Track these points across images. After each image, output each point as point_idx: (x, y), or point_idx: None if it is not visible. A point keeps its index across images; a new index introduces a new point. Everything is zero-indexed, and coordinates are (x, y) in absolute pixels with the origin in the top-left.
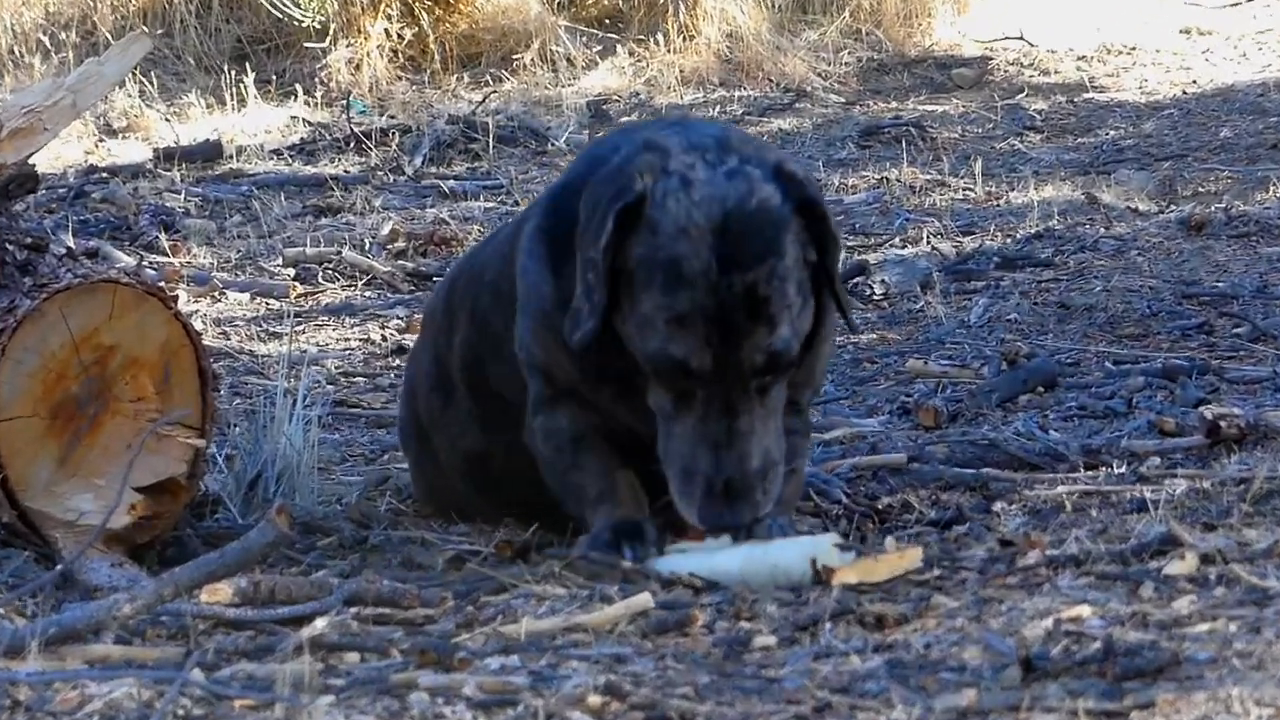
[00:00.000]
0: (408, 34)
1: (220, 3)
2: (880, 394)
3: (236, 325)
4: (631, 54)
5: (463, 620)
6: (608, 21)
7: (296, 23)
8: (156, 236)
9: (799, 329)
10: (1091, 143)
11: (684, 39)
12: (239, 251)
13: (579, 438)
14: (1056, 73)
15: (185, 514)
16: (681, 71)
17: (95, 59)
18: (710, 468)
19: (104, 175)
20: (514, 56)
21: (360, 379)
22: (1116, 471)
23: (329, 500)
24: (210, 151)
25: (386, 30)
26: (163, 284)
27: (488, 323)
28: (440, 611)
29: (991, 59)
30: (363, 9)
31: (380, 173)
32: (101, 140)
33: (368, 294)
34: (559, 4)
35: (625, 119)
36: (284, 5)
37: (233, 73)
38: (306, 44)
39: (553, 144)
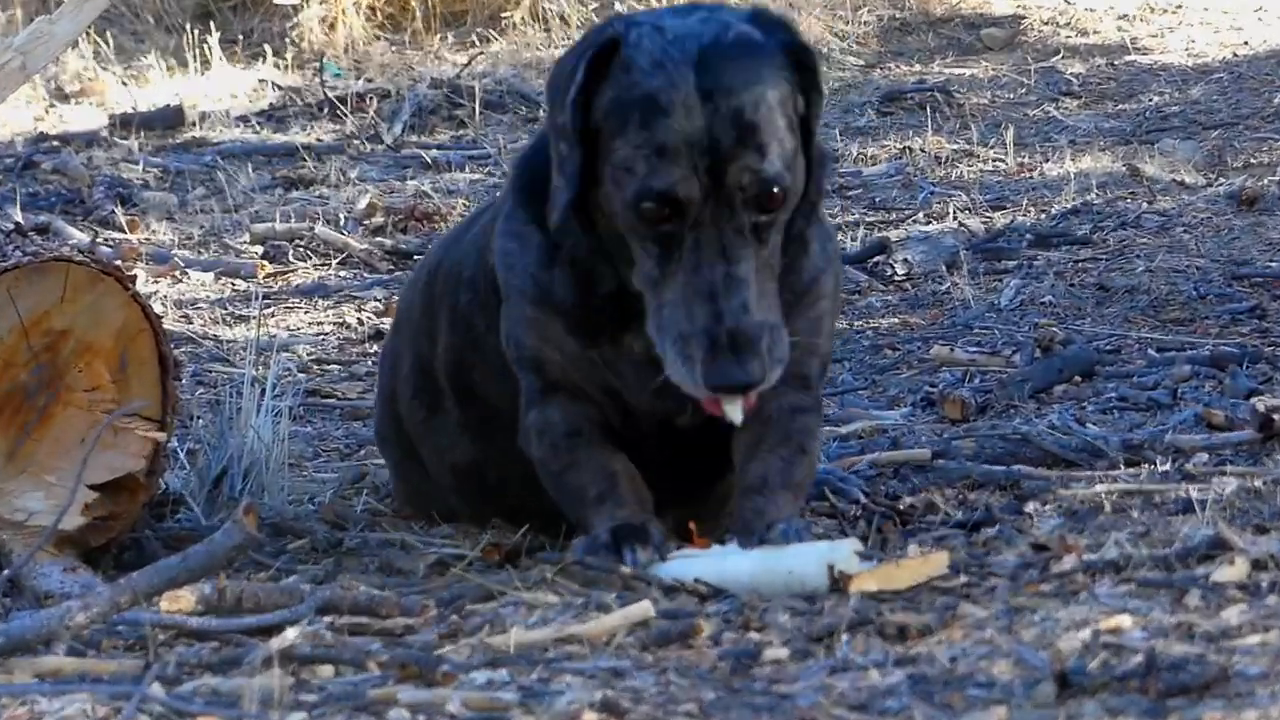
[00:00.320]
0: None
1: None
2: (902, 384)
3: (200, 308)
4: (632, 11)
5: (446, 631)
6: None
7: None
8: (112, 211)
9: (793, 170)
10: (1133, 109)
11: None
12: (202, 227)
13: (575, 432)
14: (1096, 33)
15: (144, 514)
16: None
17: (46, 17)
18: (709, 319)
19: (55, 144)
20: (503, 14)
21: (334, 367)
22: (1160, 469)
23: (300, 499)
24: (171, 118)
25: None
26: (119, 263)
27: (471, 324)
28: (422, 621)
29: (1024, 18)
30: None
31: (356, 142)
32: (53, 106)
33: (343, 274)
34: None
35: None
36: None
37: (196, 32)
38: (276, 1)
39: (544, 110)
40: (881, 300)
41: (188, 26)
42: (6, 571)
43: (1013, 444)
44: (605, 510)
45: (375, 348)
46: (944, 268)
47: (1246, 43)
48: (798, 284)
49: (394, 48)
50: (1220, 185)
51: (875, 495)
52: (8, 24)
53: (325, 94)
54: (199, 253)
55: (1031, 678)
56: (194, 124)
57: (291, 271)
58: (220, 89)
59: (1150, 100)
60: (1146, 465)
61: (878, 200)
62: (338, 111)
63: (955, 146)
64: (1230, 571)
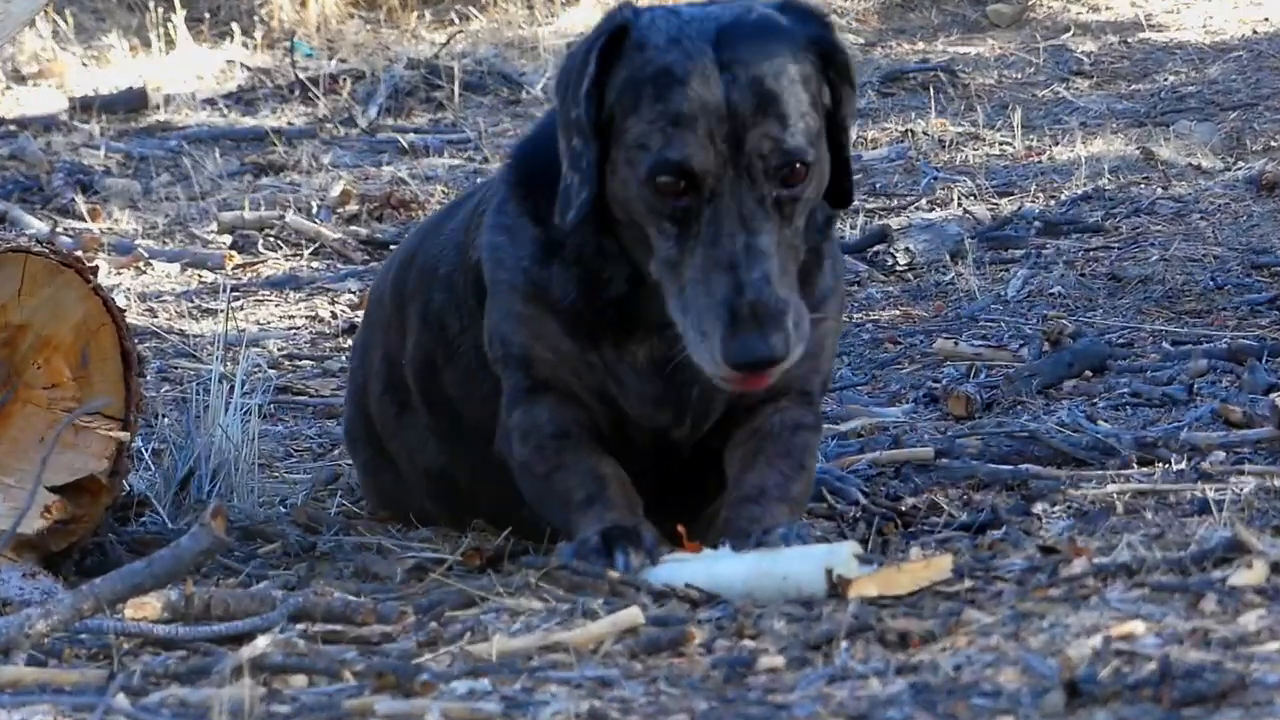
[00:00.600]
0: None
1: None
2: (904, 379)
3: (165, 301)
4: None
5: (425, 638)
6: None
7: None
8: (72, 199)
9: (817, 150)
10: (1148, 90)
11: None
12: (167, 216)
13: (562, 434)
14: (1108, 9)
15: (107, 517)
16: None
17: None
18: (730, 289)
19: (12, 128)
20: None
21: (307, 362)
22: (1175, 468)
23: (271, 501)
24: (134, 101)
25: None
26: (80, 254)
27: (444, 325)
28: (399, 628)
29: None
30: None
31: (329, 125)
32: (9, 88)
33: (315, 264)
34: None
35: None
36: None
37: (160, 10)
38: None
39: (527, 91)
40: (882, 291)
41: (151, 4)
42: None
43: (1020, 442)
44: (594, 514)
45: (349, 342)
46: (948, 257)
47: (1267, 19)
48: (809, 298)
49: (369, 26)
50: (1239, 169)
51: (875, 496)
52: None
53: (296, 75)
54: (164, 243)
55: (1040, 687)
56: (158, 107)
57: (261, 262)
58: (186, 70)
59: (1165, 80)
60: (1161, 464)
61: (878, 186)
62: (310, 93)
63: (960, 129)
64: (1248, 575)
